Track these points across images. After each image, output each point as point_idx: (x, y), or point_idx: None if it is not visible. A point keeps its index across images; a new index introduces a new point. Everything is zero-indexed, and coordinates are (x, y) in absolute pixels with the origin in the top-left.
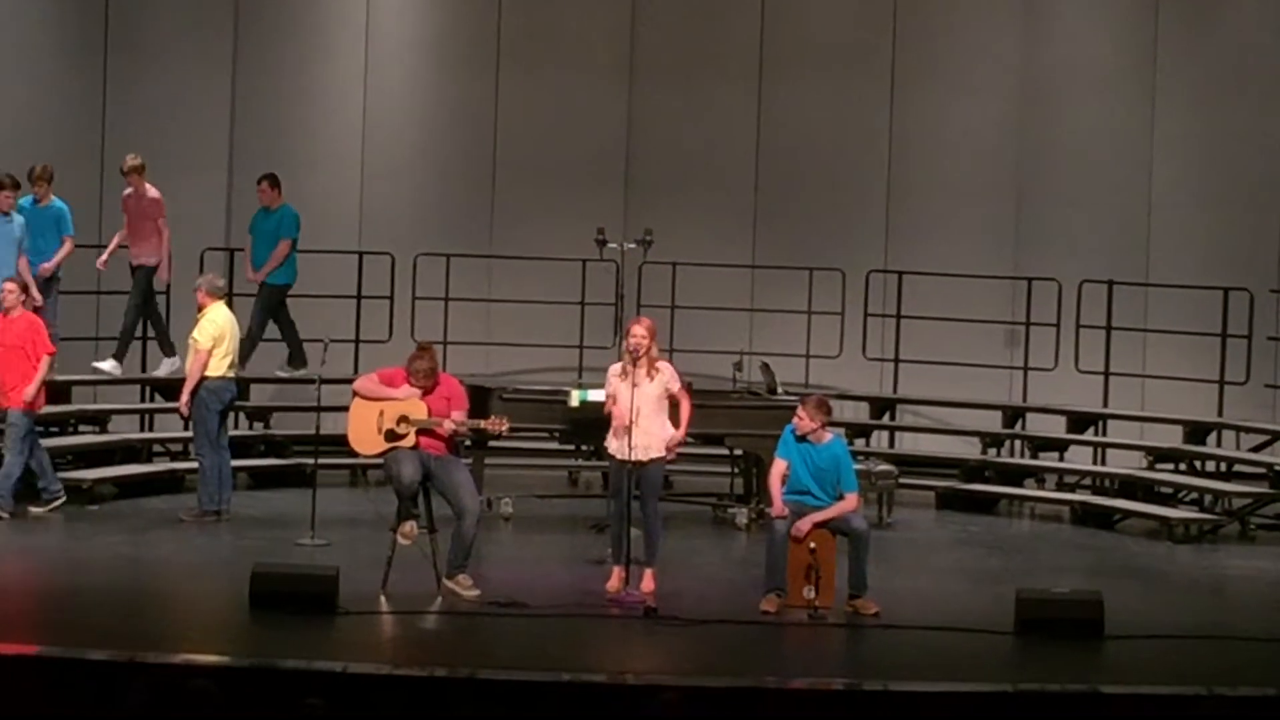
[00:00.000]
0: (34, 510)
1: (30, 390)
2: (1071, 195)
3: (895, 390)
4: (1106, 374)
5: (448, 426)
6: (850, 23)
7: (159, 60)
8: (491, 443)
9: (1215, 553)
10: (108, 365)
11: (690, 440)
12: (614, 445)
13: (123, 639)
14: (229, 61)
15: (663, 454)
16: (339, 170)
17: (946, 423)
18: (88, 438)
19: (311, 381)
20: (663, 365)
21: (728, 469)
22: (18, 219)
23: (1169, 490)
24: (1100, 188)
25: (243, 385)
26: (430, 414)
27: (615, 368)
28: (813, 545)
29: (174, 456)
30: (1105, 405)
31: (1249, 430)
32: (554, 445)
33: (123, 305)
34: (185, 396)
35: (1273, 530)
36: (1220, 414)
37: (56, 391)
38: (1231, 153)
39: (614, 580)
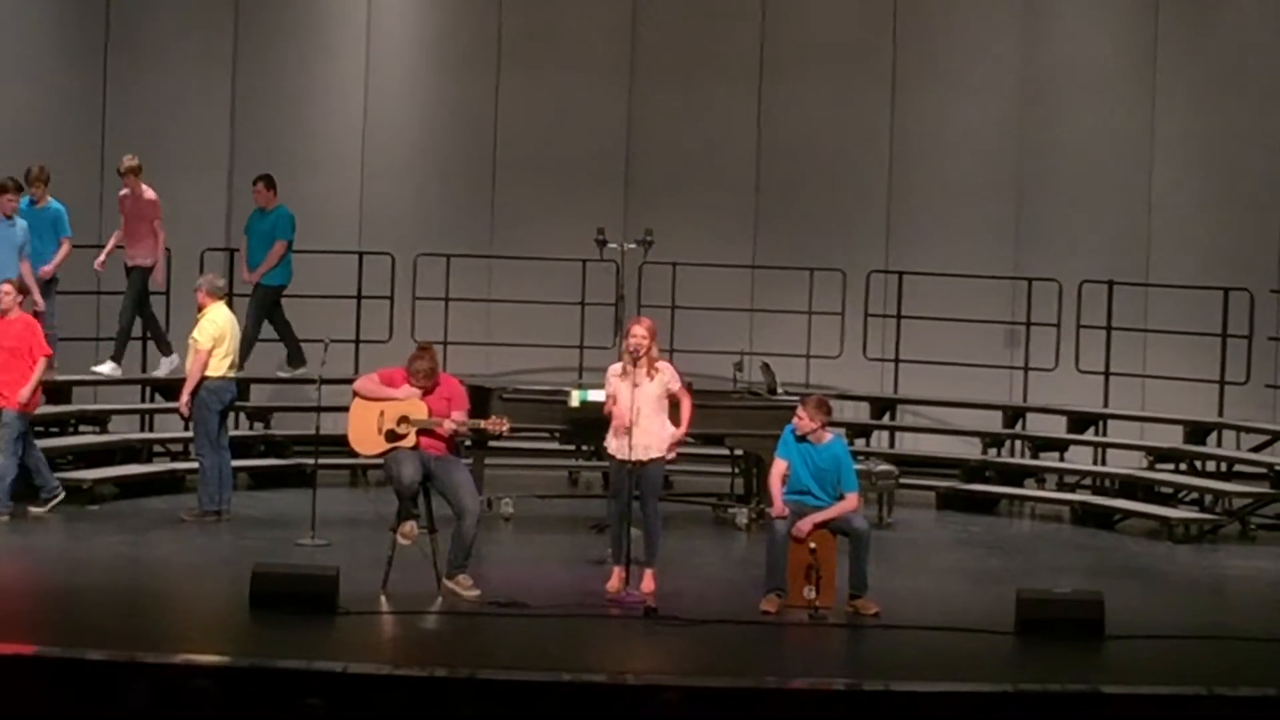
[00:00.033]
0: (33, 510)
1: (25, 391)
2: (1071, 195)
3: (895, 390)
4: (1107, 374)
5: (448, 426)
6: (850, 23)
7: (159, 60)
8: (492, 443)
9: (1215, 553)
10: (106, 368)
11: (690, 440)
12: (614, 445)
13: (122, 639)
14: (229, 61)
15: (663, 454)
16: (339, 170)
17: (947, 423)
18: (88, 438)
19: (311, 381)
20: (663, 365)
21: (728, 469)
22: (20, 223)
23: (1169, 490)
24: (1100, 188)
25: (243, 385)
26: (430, 414)
27: (615, 368)
28: (813, 545)
29: (174, 456)
30: (1105, 405)
31: (1249, 430)
32: (554, 445)
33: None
34: (185, 397)
35: (1273, 530)
36: (1220, 414)
37: (57, 392)
38: (1231, 153)
39: (614, 580)
